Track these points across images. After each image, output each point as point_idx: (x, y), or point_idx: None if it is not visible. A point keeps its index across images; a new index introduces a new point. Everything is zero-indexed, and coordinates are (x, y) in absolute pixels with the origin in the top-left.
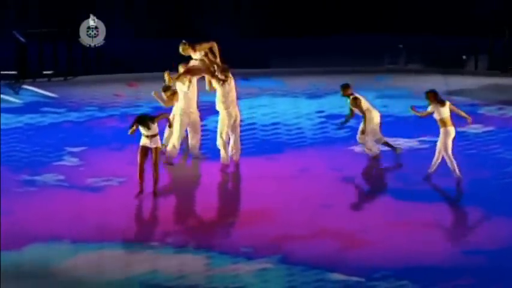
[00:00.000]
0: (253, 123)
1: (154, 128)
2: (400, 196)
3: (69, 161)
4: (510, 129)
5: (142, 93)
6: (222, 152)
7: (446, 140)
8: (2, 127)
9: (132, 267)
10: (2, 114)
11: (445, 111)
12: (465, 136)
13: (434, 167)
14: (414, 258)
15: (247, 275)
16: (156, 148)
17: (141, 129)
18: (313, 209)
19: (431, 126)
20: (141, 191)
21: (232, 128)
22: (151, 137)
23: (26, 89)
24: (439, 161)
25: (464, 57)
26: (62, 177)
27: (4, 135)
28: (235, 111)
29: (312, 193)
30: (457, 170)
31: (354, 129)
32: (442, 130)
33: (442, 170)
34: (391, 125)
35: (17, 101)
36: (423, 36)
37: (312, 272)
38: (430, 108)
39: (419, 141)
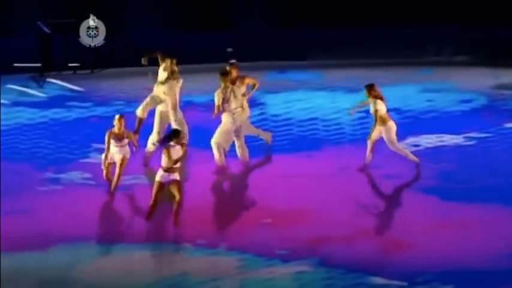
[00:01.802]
0: (290, 119)
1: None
2: (445, 195)
3: (96, 158)
4: None
5: None
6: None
7: (390, 136)
8: (26, 122)
9: (162, 269)
10: (26, 108)
11: (383, 108)
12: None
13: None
14: (460, 261)
15: (283, 279)
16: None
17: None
18: (352, 209)
19: (477, 122)
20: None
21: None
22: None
23: (51, 82)
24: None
25: None
26: (88, 175)
27: (28, 131)
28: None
29: (352, 192)
30: (411, 155)
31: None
32: (383, 128)
33: (490, 169)
34: (435, 121)
35: (41, 94)
36: (471, 27)
37: (352, 275)
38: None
39: (466, 137)
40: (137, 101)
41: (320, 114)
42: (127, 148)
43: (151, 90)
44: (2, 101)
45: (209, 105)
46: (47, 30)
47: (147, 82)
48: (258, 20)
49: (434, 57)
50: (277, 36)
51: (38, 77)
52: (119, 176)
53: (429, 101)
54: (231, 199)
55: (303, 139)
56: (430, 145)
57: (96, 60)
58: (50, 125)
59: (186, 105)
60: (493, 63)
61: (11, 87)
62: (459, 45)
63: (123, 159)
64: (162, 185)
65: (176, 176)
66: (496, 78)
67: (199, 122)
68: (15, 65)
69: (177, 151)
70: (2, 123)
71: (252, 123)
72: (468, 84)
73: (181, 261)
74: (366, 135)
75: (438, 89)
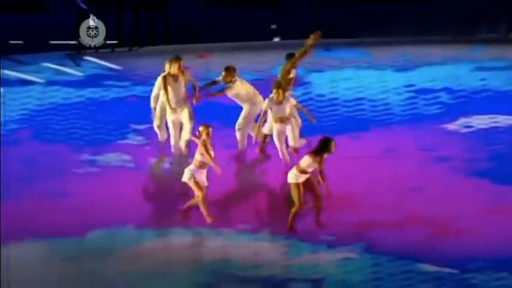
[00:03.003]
0: (336, 99)
1: None
2: (497, 179)
3: (134, 140)
4: None
5: (213, 65)
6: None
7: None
8: (62, 102)
9: (203, 255)
10: (62, 88)
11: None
12: None
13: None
14: None
15: (328, 265)
16: None
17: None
18: (401, 193)
19: None
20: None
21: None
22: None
23: (88, 61)
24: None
25: None
26: (126, 157)
27: (64, 111)
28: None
29: (400, 175)
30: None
31: (446, 105)
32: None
33: None
34: (489, 101)
35: (77, 73)
36: None
37: (399, 262)
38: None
39: None
40: None
41: (367, 94)
42: None
43: (191, 68)
44: (37, 80)
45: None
46: (83, 5)
47: (187, 61)
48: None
49: (488, 33)
50: (323, 13)
51: (75, 55)
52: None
53: (482, 80)
54: (275, 183)
55: (349, 120)
56: (483, 126)
57: (135, 38)
58: (86, 104)
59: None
60: None
61: (47, 65)
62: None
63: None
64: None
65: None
66: None
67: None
68: (51, 42)
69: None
70: (36, 102)
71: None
72: None
73: (223, 246)
74: (415, 115)
75: (492, 68)
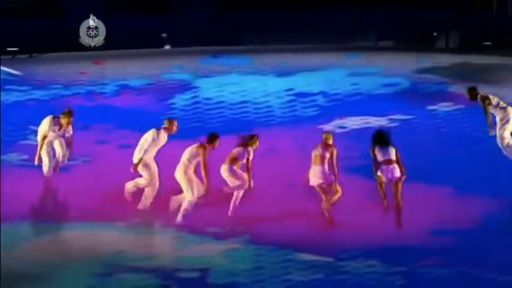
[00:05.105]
0: (222, 102)
1: None
2: (369, 175)
3: (34, 140)
4: (480, 107)
5: (108, 70)
6: None
7: None
8: None
9: (98, 247)
10: None
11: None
12: (436, 114)
13: None
14: (383, 238)
15: (215, 256)
16: None
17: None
18: (282, 188)
19: (401, 105)
20: None
21: None
22: None
23: None
24: None
25: (435, 33)
26: (26, 156)
27: None
28: None
29: (281, 173)
30: None
31: (322, 108)
32: None
33: (413, 149)
34: (361, 103)
35: None
36: (396, 12)
37: (280, 252)
38: None
39: (390, 119)
40: (74, 85)
41: (251, 98)
42: None
43: (87, 74)
44: None
45: (143, 89)
46: None
47: (84, 67)
48: (194, 6)
49: (360, 42)
50: (211, 22)
51: None
52: None
53: (355, 84)
54: (166, 179)
55: (234, 121)
56: (355, 127)
57: (35, 45)
58: None
59: (122, 89)
60: (416, 48)
61: None
62: (384, 30)
63: None
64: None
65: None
66: (419, 63)
67: (133, 105)
68: None
69: None
70: None
71: (186, 106)
72: (392, 69)
73: (117, 239)
74: (294, 117)
75: (364, 73)
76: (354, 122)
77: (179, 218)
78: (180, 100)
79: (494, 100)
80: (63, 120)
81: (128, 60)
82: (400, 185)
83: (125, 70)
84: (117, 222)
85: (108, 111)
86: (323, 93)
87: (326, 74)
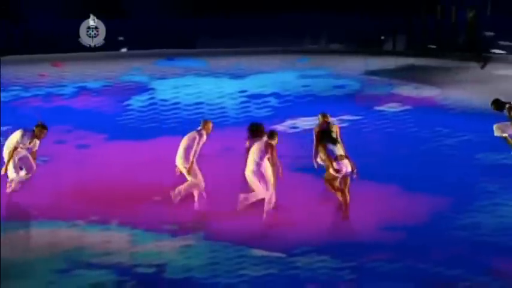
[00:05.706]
0: (178, 103)
1: None
2: (319, 174)
3: None
4: (426, 108)
5: (67, 73)
6: None
7: None
8: None
9: (58, 244)
10: None
11: None
12: (383, 115)
13: None
14: (335, 235)
15: (170, 252)
16: None
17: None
18: (236, 187)
19: (350, 106)
20: None
21: None
22: None
23: None
24: None
25: (382, 37)
26: None
27: None
28: None
29: (236, 172)
30: None
31: (275, 109)
32: None
33: (361, 148)
34: (312, 104)
35: None
36: (345, 15)
37: (234, 248)
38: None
39: (339, 120)
40: (33, 87)
41: (206, 99)
42: None
43: (46, 76)
44: None
45: (101, 91)
46: None
47: (43, 69)
48: (150, 10)
49: (311, 45)
50: (167, 25)
51: None
52: None
53: (306, 86)
54: (124, 178)
55: (190, 122)
56: (306, 127)
57: None
58: None
59: (80, 91)
60: (364, 51)
61: None
62: (333, 33)
63: None
64: None
65: None
66: (366, 65)
67: (91, 106)
68: None
69: None
70: None
71: (143, 107)
72: (342, 71)
73: (76, 236)
74: (248, 118)
75: (314, 75)
76: (305, 122)
77: (265, 216)
78: (136, 101)
79: None
80: (41, 134)
81: (87, 62)
82: (348, 180)
83: (83, 72)
84: (75, 220)
85: (66, 112)
86: (275, 95)
87: (278, 76)
